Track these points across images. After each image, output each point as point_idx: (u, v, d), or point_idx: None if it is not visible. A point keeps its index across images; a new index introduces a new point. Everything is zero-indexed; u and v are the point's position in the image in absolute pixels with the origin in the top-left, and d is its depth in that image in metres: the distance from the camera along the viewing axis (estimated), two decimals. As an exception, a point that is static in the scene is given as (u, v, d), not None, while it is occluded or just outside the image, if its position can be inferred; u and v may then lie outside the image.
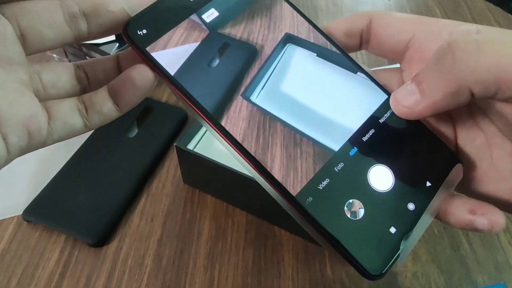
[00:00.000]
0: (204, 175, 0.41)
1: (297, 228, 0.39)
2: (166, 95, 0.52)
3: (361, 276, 0.18)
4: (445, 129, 0.22)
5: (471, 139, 0.21)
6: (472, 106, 0.21)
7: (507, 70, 0.17)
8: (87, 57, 0.50)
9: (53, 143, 0.19)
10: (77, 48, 0.51)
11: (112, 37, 0.51)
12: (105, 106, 0.20)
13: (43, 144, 0.19)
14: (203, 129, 0.44)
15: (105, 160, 0.45)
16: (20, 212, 0.41)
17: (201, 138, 0.43)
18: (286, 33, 0.23)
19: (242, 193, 0.40)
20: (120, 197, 0.42)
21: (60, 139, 0.19)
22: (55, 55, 0.54)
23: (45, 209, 0.41)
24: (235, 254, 0.39)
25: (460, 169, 0.21)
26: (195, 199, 0.43)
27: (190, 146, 0.42)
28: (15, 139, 0.17)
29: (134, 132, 0.47)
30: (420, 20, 0.22)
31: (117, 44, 0.51)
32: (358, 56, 0.60)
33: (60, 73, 0.20)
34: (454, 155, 0.21)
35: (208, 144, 0.43)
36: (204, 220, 0.41)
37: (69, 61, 0.53)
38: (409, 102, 0.20)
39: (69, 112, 0.19)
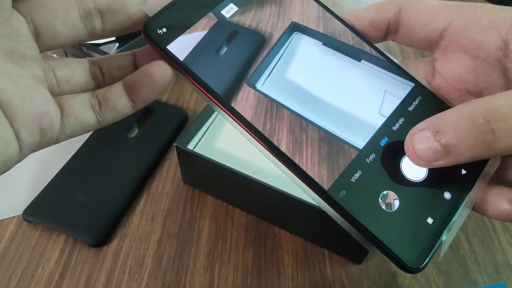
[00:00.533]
0: (204, 175, 0.41)
1: (297, 228, 0.40)
2: (166, 95, 0.52)
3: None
4: None
5: None
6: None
7: None
8: (87, 58, 0.50)
9: (66, 139, 0.19)
10: (77, 48, 0.51)
11: (112, 37, 0.51)
12: (119, 102, 0.20)
13: (55, 141, 0.19)
14: (203, 129, 0.44)
15: (105, 160, 0.45)
16: (20, 212, 0.41)
17: (201, 138, 0.43)
18: (292, 22, 0.22)
19: (242, 193, 0.40)
20: (120, 197, 0.42)
21: (73, 135, 0.19)
22: (54, 56, 0.54)
23: (45, 209, 0.41)
24: (235, 254, 0.39)
25: (498, 158, 0.20)
26: (195, 199, 0.43)
27: (190, 146, 0.42)
28: (27, 136, 0.17)
29: (134, 132, 0.47)
30: (456, 7, 0.21)
31: (117, 44, 0.51)
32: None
33: (75, 69, 0.20)
34: None
35: (208, 144, 0.43)
36: (204, 220, 0.41)
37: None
38: (429, 157, 0.18)
39: (81, 108, 0.19)
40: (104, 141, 0.46)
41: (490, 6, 0.20)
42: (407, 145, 0.19)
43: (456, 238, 0.40)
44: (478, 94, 0.22)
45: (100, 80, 0.21)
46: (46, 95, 0.18)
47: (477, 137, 0.17)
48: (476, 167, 0.20)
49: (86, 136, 0.46)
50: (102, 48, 0.50)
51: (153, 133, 0.47)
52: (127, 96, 0.20)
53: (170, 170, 0.45)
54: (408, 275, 0.38)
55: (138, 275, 0.38)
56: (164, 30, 0.20)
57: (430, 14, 0.21)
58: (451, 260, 0.39)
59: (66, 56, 0.54)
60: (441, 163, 0.18)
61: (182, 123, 0.49)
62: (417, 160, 0.18)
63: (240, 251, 0.39)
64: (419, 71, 0.23)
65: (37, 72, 0.19)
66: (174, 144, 0.39)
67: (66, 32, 0.19)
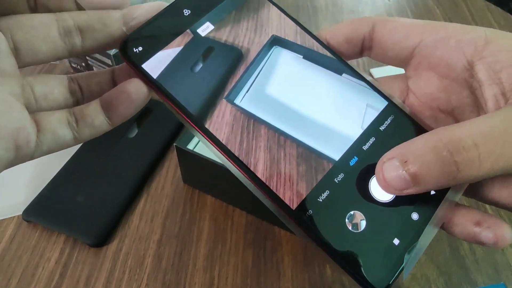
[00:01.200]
0: (204, 175, 0.41)
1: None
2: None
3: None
4: None
5: None
6: (480, 109, 0.21)
7: (506, 170, 0.17)
8: (87, 58, 0.50)
9: (42, 156, 0.19)
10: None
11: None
12: (96, 119, 0.20)
13: (31, 157, 0.19)
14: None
15: (105, 160, 0.45)
16: (20, 212, 0.41)
17: (201, 138, 0.43)
18: (273, 35, 0.23)
19: (242, 193, 0.40)
20: (120, 197, 0.42)
21: (49, 152, 0.19)
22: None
23: (45, 209, 0.41)
24: (234, 254, 0.39)
25: None
26: (195, 200, 0.43)
27: (190, 146, 0.42)
28: (2, 152, 0.17)
29: (134, 132, 0.47)
30: (427, 26, 0.21)
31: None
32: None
33: (53, 86, 0.21)
34: None
35: (208, 145, 0.43)
36: (204, 220, 0.41)
37: (70, 63, 0.53)
38: (399, 186, 0.18)
39: (58, 125, 0.19)
40: (103, 141, 0.46)
41: (459, 26, 0.21)
42: (377, 173, 0.19)
43: (456, 239, 0.40)
44: (449, 112, 0.22)
45: (79, 97, 0.21)
46: (23, 112, 0.18)
47: (442, 168, 0.17)
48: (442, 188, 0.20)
49: (86, 136, 0.46)
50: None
51: (152, 133, 0.47)
52: (104, 113, 0.20)
53: (170, 170, 0.45)
54: (408, 275, 0.38)
55: (138, 275, 0.38)
56: (140, 48, 0.20)
57: (402, 32, 0.22)
58: (451, 261, 0.39)
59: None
60: (410, 191, 0.18)
61: (182, 123, 0.49)
62: (387, 188, 0.19)
63: (240, 252, 0.39)
64: (394, 88, 0.23)
65: (15, 88, 0.19)
66: (174, 144, 0.39)
67: (46, 49, 0.19)
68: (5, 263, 0.38)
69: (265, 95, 0.21)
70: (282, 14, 0.23)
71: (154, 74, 0.20)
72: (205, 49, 0.22)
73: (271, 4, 0.23)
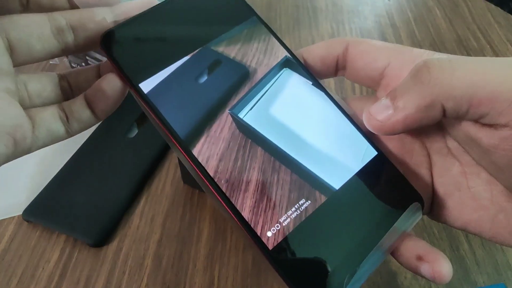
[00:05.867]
0: (204, 175, 0.41)
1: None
2: (166, 95, 0.52)
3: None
4: (420, 159, 0.22)
5: (447, 169, 0.21)
6: (446, 136, 0.21)
7: (479, 88, 0.17)
8: (87, 58, 0.50)
9: (37, 150, 0.20)
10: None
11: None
12: (83, 114, 0.20)
13: (27, 151, 0.19)
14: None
15: (105, 160, 0.45)
16: (20, 212, 0.41)
17: (201, 138, 0.43)
18: (286, 56, 0.23)
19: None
20: (120, 198, 0.42)
21: (44, 146, 0.20)
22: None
23: (45, 209, 0.41)
24: (235, 255, 0.39)
25: (418, 207, 0.20)
26: (195, 200, 0.43)
27: (190, 147, 0.42)
28: (2, 147, 0.18)
29: (134, 132, 0.47)
30: (395, 49, 0.22)
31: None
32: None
33: (46, 83, 0.21)
34: (413, 193, 0.21)
35: (208, 145, 0.43)
36: (204, 221, 0.41)
37: (70, 63, 0.53)
38: (382, 116, 0.20)
39: (51, 120, 0.20)
40: (103, 141, 0.46)
41: (423, 50, 0.22)
42: (365, 112, 0.21)
43: (456, 239, 0.40)
44: (417, 134, 0.22)
45: (69, 94, 0.22)
46: (18, 109, 0.19)
47: (415, 77, 0.19)
48: (394, 216, 0.20)
49: (85, 136, 0.46)
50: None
51: (153, 133, 0.47)
52: (89, 108, 0.20)
53: (170, 170, 0.45)
54: (408, 275, 0.38)
55: (138, 275, 0.38)
56: (121, 43, 0.20)
57: (372, 54, 0.22)
58: (451, 261, 0.39)
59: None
60: (393, 121, 0.19)
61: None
62: (373, 122, 0.20)
63: (240, 252, 0.39)
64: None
65: (10, 85, 0.19)
66: (174, 144, 0.39)
67: (40, 48, 0.20)
68: (5, 263, 0.38)
69: (269, 114, 0.21)
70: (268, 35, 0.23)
71: (132, 72, 0.20)
72: (193, 51, 0.21)
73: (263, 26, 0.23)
